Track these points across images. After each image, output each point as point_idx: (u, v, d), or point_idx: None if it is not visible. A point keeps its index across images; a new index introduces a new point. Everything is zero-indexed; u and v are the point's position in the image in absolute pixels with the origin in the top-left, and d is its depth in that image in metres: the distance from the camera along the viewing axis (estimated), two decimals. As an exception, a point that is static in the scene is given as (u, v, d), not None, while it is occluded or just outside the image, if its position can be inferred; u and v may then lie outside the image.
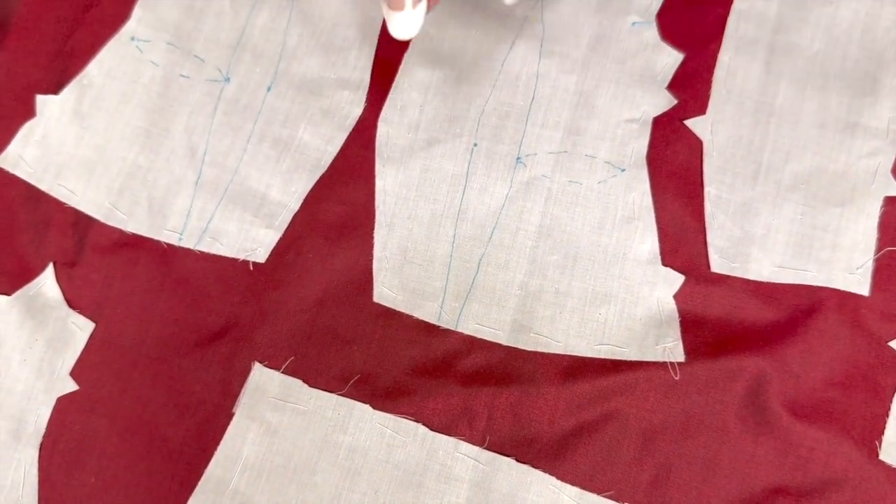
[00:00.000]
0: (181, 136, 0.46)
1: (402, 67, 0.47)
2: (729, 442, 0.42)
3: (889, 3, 0.47)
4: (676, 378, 0.42)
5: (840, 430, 0.42)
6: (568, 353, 0.43)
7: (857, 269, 0.44)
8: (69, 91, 0.47)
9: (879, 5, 0.47)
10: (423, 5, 0.39)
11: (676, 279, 0.44)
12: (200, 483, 0.42)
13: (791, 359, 0.42)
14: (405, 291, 0.44)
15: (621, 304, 0.44)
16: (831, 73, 0.47)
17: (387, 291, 0.44)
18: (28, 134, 0.47)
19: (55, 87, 0.47)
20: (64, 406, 0.43)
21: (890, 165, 0.45)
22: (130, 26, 0.48)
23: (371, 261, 0.45)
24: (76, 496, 0.43)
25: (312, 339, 0.44)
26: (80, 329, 0.44)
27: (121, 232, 0.45)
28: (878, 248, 0.44)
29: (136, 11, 0.48)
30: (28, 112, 0.47)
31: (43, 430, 0.43)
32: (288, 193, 0.45)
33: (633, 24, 0.47)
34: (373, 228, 0.45)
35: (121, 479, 0.43)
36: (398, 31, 0.39)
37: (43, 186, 0.46)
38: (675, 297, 0.43)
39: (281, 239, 0.45)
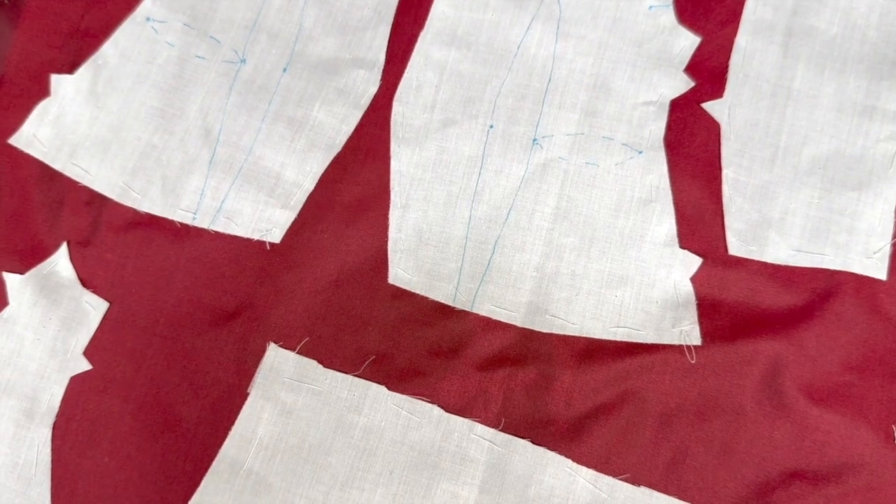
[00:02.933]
0: (196, 116, 0.46)
1: (417, 47, 0.47)
2: (745, 425, 0.42)
3: (907, -13, 0.47)
4: (693, 361, 0.42)
5: (856, 414, 0.42)
6: (584, 336, 0.43)
7: (875, 253, 0.43)
8: (84, 71, 0.47)
9: (898, -11, 0.47)
10: None
11: (694, 262, 0.43)
12: (215, 463, 0.42)
13: (808, 342, 0.42)
14: (420, 273, 0.44)
15: (638, 287, 0.43)
16: (849, 56, 0.46)
17: (402, 273, 0.44)
18: (42, 113, 0.46)
19: (70, 67, 0.47)
20: (77, 385, 0.43)
21: (908, 149, 0.45)
22: (145, 6, 0.48)
23: (386, 242, 0.45)
24: (89, 475, 0.42)
25: (327, 320, 0.44)
26: (94, 308, 0.44)
27: (135, 211, 0.45)
28: (896, 233, 0.44)
29: (151, -9, 0.48)
30: (42, 91, 0.47)
31: (56, 410, 0.43)
32: (303, 173, 0.45)
33: (651, 7, 0.47)
34: (388, 209, 0.45)
35: (134, 458, 0.42)
36: None
37: (57, 165, 0.46)
38: (693, 279, 0.43)
39: (296, 219, 0.45)
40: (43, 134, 0.46)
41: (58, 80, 0.47)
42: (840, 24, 0.47)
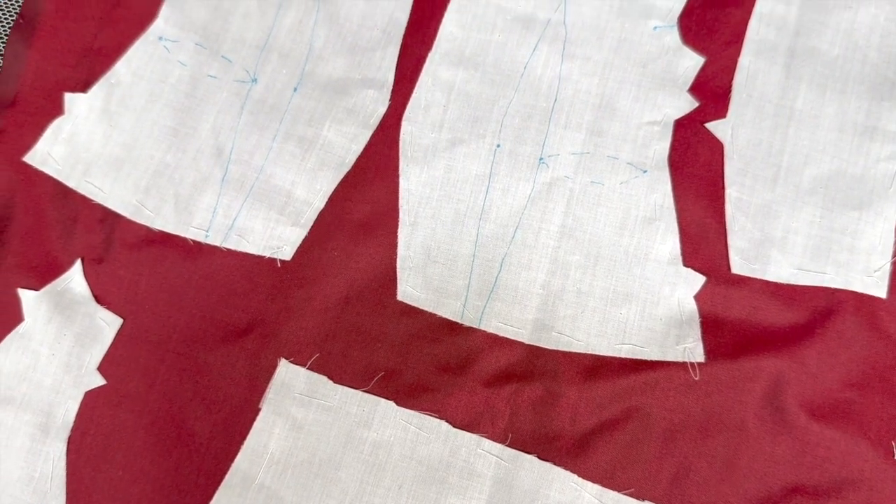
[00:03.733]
0: (208, 135, 0.47)
1: (425, 67, 0.48)
2: (748, 441, 0.42)
3: (908, 8, 0.48)
4: (696, 378, 0.43)
5: (857, 430, 0.42)
6: (589, 352, 0.44)
7: (875, 271, 0.44)
8: (97, 89, 0.48)
9: (898, 11, 0.48)
10: None
11: (697, 280, 0.44)
12: (227, 477, 0.43)
13: (809, 360, 0.43)
14: (429, 290, 0.45)
15: (642, 304, 0.44)
16: (851, 77, 0.47)
17: (410, 290, 0.45)
18: (56, 131, 0.47)
19: (83, 86, 0.48)
20: (92, 400, 0.44)
21: (908, 169, 0.46)
22: (158, 26, 0.48)
23: (395, 259, 0.45)
24: (104, 489, 0.43)
25: (338, 337, 0.44)
26: (108, 325, 0.45)
27: (148, 229, 0.46)
28: (896, 251, 0.45)
29: (164, 11, 0.49)
30: (56, 110, 0.48)
31: (71, 424, 0.44)
32: (313, 191, 0.46)
33: (655, 27, 0.48)
34: (397, 227, 0.46)
35: (148, 472, 0.43)
36: None
37: (71, 183, 0.47)
38: (696, 297, 0.44)
39: (307, 237, 0.46)
40: (57, 152, 0.47)
41: (71, 99, 0.48)
42: (842, 45, 0.48)
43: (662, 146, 0.46)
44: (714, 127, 0.46)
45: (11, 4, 0.50)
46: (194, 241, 0.46)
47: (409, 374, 0.44)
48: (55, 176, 0.47)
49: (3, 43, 0.49)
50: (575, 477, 0.42)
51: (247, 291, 0.45)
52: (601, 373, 0.43)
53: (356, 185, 0.46)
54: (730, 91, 0.47)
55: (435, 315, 0.45)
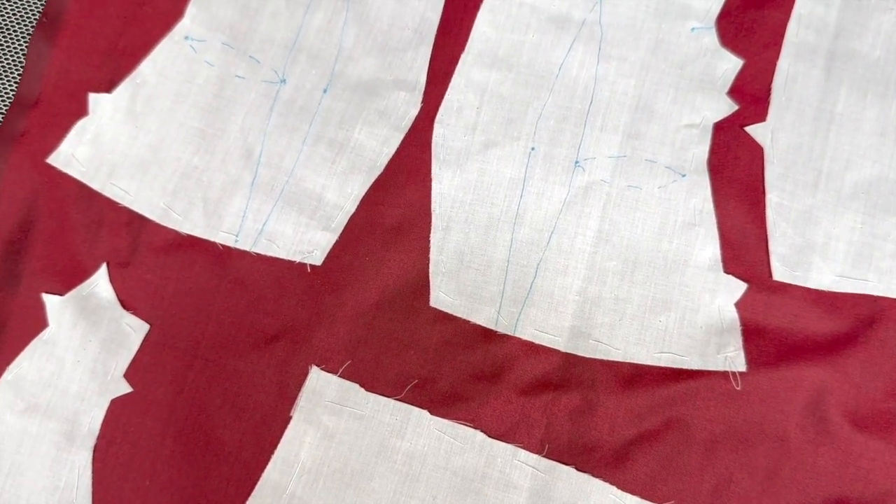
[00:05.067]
0: (237, 136, 0.46)
1: (458, 68, 0.47)
2: (790, 452, 0.41)
3: (950, 9, 0.47)
4: (738, 388, 0.42)
5: (902, 441, 0.41)
6: (628, 361, 0.43)
7: (919, 279, 0.43)
8: (122, 90, 0.47)
9: (940, 12, 0.47)
10: None
11: (738, 287, 0.43)
12: (258, 487, 0.42)
13: (852, 369, 0.42)
14: (462, 296, 0.44)
15: (682, 312, 0.43)
16: (892, 79, 0.46)
17: (443, 296, 0.44)
18: (80, 133, 0.46)
19: (108, 86, 0.47)
20: (118, 408, 0.43)
21: (951, 174, 0.45)
22: (184, 25, 0.47)
23: (428, 264, 0.44)
24: (130, 499, 0.42)
25: (369, 344, 0.43)
26: (135, 330, 0.44)
27: (175, 233, 0.45)
28: (940, 258, 0.44)
29: (190, 10, 0.48)
30: (80, 110, 0.47)
31: (97, 432, 0.43)
32: (344, 195, 0.45)
33: (693, 29, 0.47)
34: (429, 231, 0.45)
35: (176, 481, 0.42)
36: None
37: (95, 186, 0.46)
38: (737, 305, 0.43)
39: (337, 241, 0.45)
40: (81, 153, 0.46)
41: (96, 99, 0.47)
42: (882, 48, 0.47)
43: (701, 150, 0.45)
44: (754, 130, 0.45)
45: (36, 4, 0.49)
46: (223, 246, 0.45)
47: (443, 382, 0.43)
48: (79, 178, 0.46)
49: (26, 42, 0.48)
50: (614, 489, 0.41)
51: (277, 297, 0.44)
52: (640, 382, 0.42)
53: (388, 189, 0.45)
54: (769, 94, 0.46)
55: (469, 322, 0.44)
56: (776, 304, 0.43)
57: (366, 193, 0.45)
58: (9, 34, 0.48)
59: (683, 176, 0.45)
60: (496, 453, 0.42)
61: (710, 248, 0.44)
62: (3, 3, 0.48)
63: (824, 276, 0.44)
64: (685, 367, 0.42)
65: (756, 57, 0.46)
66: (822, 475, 0.41)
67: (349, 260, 0.45)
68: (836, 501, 0.41)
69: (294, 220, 0.45)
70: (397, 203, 0.45)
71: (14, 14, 0.48)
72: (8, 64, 0.48)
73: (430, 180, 0.45)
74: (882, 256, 0.44)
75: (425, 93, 0.47)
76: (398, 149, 0.46)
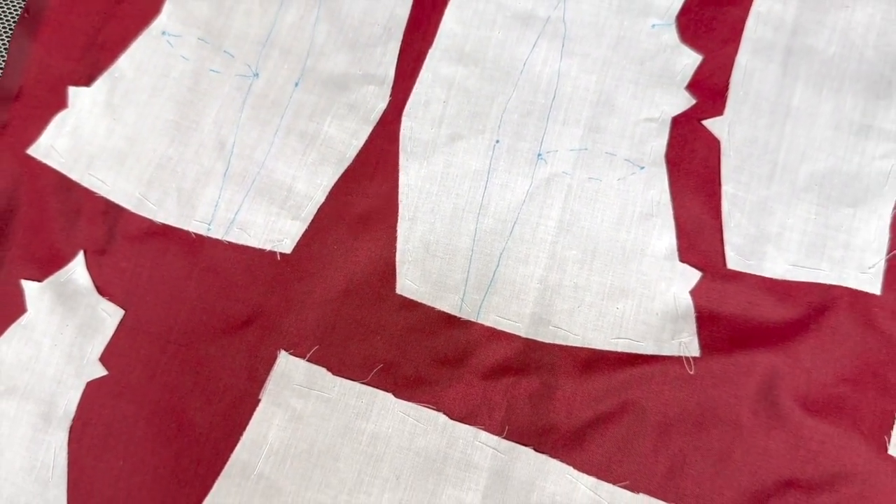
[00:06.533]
0: (210, 129, 0.47)
1: (426, 63, 0.48)
2: (742, 435, 0.43)
3: (904, 7, 0.48)
4: (692, 372, 0.43)
5: (850, 425, 0.43)
6: (586, 346, 0.44)
7: (870, 268, 0.45)
8: (101, 83, 0.48)
9: (894, 9, 0.48)
10: None
11: (693, 275, 0.45)
12: (226, 467, 0.43)
13: (803, 355, 0.43)
14: (427, 283, 0.45)
15: (639, 299, 0.45)
16: (847, 75, 0.48)
17: (409, 283, 0.45)
18: (60, 125, 0.48)
19: (87, 80, 0.48)
20: (93, 391, 0.45)
21: (903, 167, 0.46)
22: (161, 21, 0.49)
23: (394, 253, 0.46)
24: (104, 478, 0.44)
25: (337, 329, 0.45)
26: (110, 316, 0.45)
27: (150, 222, 0.46)
28: (890, 248, 0.45)
29: (167, 6, 0.49)
30: (60, 103, 0.48)
31: (72, 414, 0.44)
32: (314, 185, 0.47)
33: (654, 25, 0.48)
34: (396, 221, 0.46)
35: (148, 462, 0.44)
36: None
37: (74, 176, 0.47)
38: (692, 292, 0.44)
39: (307, 230, 0.46)
40: (60, 145, 0.47)
41: (75, 93, 0.48)
42: (838, 44, 0.48)
43: (660, 143, 0.46)
44: (711, 124, 0.47)
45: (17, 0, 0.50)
46: (196, 235, 0.46)
47: (408, 366, 0.44)
48: (59, 169, 0.47)
49: (8, 37, 0.50)
50: (571, 469, 0.43)
51: (247, 284, 0.46)
52: (597, 366, 0.44)
53: (356, 180, 0.47)
54: (727, 89, 0.47)
55: (433, 308, 0.45)
56: (730, 292, 0.45)
57: (335, 184, 0.47)
58: (-9, 29, 0.50)
59: (642, 168, 0.46)
60: (458, 435, 0.43)
61: (666, 237, 0.45)
62: (-15, 0, 0.50)
63: (778, 265, 0.45)
64: (641, 352, 0.44)
65: (715, 53, 0.48)
66: (774, 457, 0.43)
67: (318, 248, 0.46)
68: (787, 482, 0.43)
69: (265, 209, 0.46)
70: (365, 193, 0.47)
71: (-4, 10, 0.50)
72: (-10, 58, 0.50)
73: (397, 172, 0.47)
74: (835, 246, 0.45)
75: (394, 87, 0.48)
76: (367, 141, 0.47)
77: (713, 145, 0.46)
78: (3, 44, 0.50)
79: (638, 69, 0.48)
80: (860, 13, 0.48)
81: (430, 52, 0.48)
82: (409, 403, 0.44)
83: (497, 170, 0.47)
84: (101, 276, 0.46)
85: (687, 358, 0.44)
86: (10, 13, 0.50)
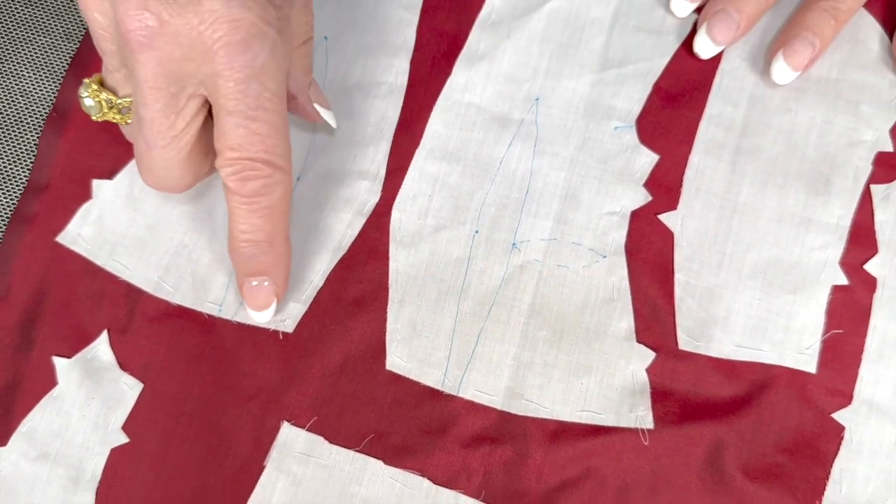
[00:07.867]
0: (222, 219, 0.53)
1: (413, 161, 0.54)
2: (691, 499, 0.48)
3: (842, 111, 0.54)
4: (646, 443, 0.49)
5: (786, 490, 0.48)
6: (554, 418, 0.50)
7: (806, 349, 0.50)
8: (122, 177, 0.54)
9: (833, 113, 0.54)
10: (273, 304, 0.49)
11: (649, 355, 0.50)
12: (236, 527, 0.49)
13: (746, 427, 0.49)
14: (414, 360, 0.51)
15: (601, 376, 0.50)
16: (790, 172, 0.53)
17: (398, 360, 0.51)
18: (85, 214, 0.53)
19: (109, 173, 0.54)
20: (116, 456, 0.50)
21: (838, 258, 0.52)
22: (176, 120, 0.54)
23: (384, 333, 0.51)
24: (127, 535, 0.49)
25: (333, 402, 0.50)
26: (130, 389, 0.51)
27: (167, 303, 0.52)
28: (825, 331, 0.51)
29: (182, 107, 0.55)
30: (85, 195, 0.54)
31: (98, 477, 0.50)
32: (313, 272, 0.52)
33: (616, 128, 0.54)
34: (387, 304, 0.52)
35: (166, 521, 0.49)
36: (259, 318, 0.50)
37: (99, 261, 0.53)
38: (648, 370, 0.50)
39: (307, 312, 0.52)
40: (86, 233, 0.53)
41: (98, 185, 0.54)
42: (783, 143, 0.54)
43: (620, 234, 0.52)
44: (666, 218, 0.52)
45: (46, 101, 0.56)
46: (209, 315, 0.52)
47: (396, 435, 0.50)
48: (84, 255, 0.53)
49: (38, 134, 0.55)
50: (539, 530, 0.48)
51: (254, 360, 0.51)
52: (564, 437, 0.49)
53: (351, 267, 0.52)
54: (681, 185, 0.53)
55: (419, 383, 0.51)
56: (681, 370, 0.50)
57: (332, 270, 0.52)
58: (23, 127, 0.55)
59: (604, 257, 0.52)
60: (441, 498, 0.49)
61: (625, 320, 0.51)
62: (18, 101, 0.56)
63: (724, 346, 0.51)
64: (602, 423, 0.49)
65: (670, 152, 0.53)
66: (719, 519, 0.48)
67: (317, 328, 0.52)
68: (731, 541, 0.48)
69: (269, 293, 0.52)
70: (359, 279, 0.52)
71: (27, 109, 0.56)
72: (22, 153, 0.55)
73: (387, 259, 0.52)
74: (776, 329, 0.51)
75: (385, 182, 0.54)
76: (360, 231, 0.53)
77: (667, 237, 0.52)
78: (34, 140, 0.55)
79: (602, 167, 0.53)
80: (802, 115, 0.54)
81: (417, 151, 0.54)
82: (397, 469, 0.49)
83: (476, 257, 0.52)
84: (123, 352, 0.51)
85: (642, 429, 0.49)
86: (40, 113, 0.56)
